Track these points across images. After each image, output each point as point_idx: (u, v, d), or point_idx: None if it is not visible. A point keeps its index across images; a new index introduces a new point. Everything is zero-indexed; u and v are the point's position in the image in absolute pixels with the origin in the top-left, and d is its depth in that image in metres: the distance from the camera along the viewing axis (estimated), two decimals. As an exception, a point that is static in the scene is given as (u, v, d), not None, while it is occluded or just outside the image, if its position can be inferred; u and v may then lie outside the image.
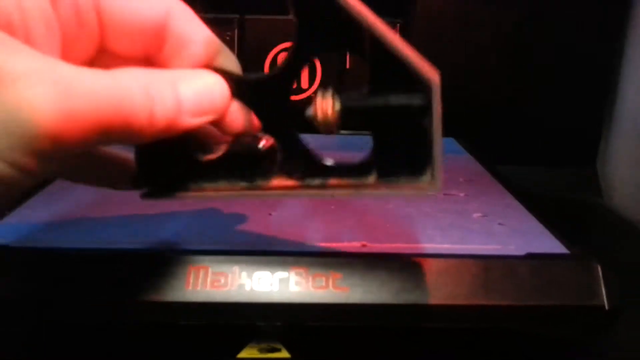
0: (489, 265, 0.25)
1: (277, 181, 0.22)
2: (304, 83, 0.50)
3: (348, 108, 0.20)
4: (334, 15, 0.19)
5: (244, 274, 0.24)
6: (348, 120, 0.20)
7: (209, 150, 0.22)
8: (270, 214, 0.30)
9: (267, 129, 0.21)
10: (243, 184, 0.22)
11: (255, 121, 0.21)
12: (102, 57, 0.20)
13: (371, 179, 0.21)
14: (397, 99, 0.19)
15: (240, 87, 0.20)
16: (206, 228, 0.28)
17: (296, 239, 0.28)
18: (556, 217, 0.44)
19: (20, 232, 0.27)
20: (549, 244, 0.28)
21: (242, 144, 0.22)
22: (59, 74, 0.15)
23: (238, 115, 0.21)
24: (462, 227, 0.29)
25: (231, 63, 0.21)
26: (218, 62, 0.21)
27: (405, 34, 0.49)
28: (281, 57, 0.49)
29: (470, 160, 0.42)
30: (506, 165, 0.51)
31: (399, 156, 0.20)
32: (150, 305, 0.24)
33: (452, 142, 0.48)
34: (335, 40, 0.20)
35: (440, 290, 0.24)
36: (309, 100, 0.20)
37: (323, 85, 0.21)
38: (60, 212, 0.30)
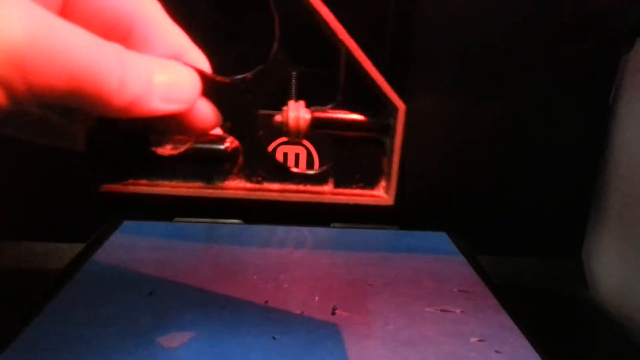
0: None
1: (236, 183, 0.23)
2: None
3: (317, 119, 0.22)
4: (314, 33, 0.21)
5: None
6: (315, 129, 0.22)
7: (169, 146, 0.22)
8: (274, 337, 0.31)
9: (233, 130, 0.22)
10: (200, 183, 0.23)
11: (219, 122, 0.22)
12: None
13: (328, 187, 0.23)
14: (365, 116, 0.22)
15: (210, 86, 0.21)
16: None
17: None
18: (542, 315, 0.45)
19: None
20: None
21: (204, 143, 0.22)
22: (38, 9, 0.15)
23: (204, 113, 0.21)
24: (462, 356, 0.30)
25: (200, 62, 0.22)
26: (186, 58, 0.21)
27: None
28: (280, 150, 0.51)
29: (463, 265, 0.43)
30: (492, 256, 0.52)
31: (357, 168, 0.23)
32: None
33: (444, 238, 0.49)
34: (311, 55, 0.22)
35: None
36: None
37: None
38: None
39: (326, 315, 0.34)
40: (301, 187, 0.23)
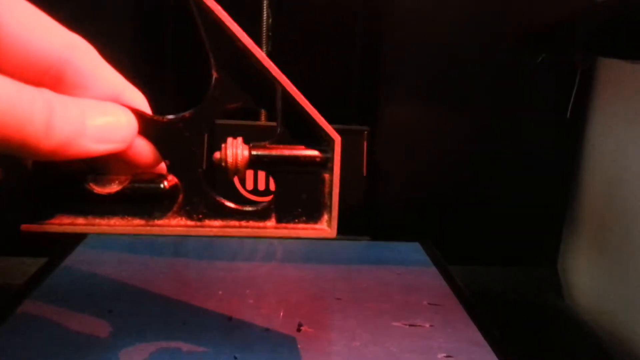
0: None
1: (176, 220, 0.22)
2: (261, 184, 0.50)
3: (256, 156, 0.22)
4: (252, 73, 0.21)
5: None
6: (255, 166, 0.22)
7: (107, 184, 0.22)
8: (235, 357, 0.30)
9: (172, 169, 0.22)
10: (139, 220, 0.22)
11: (160, 160, 0.22)
12: None
13: (270, 222, 0.23)
14: (303, 151, 0.22)
15: (148, 126, 0.21)
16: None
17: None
18: (516, 326, 0.45)
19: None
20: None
21: (143, 181, 0.22)
22: None
23: (142, 152, 0.21)
24: (428, 374, 0.29)
25: (139, 102, 0.21)
26: (124, 99, 0.21)
27: (372, 140, 0.51)
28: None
29: (434, 276, 0.43)
30: (467, 266, 0.52)
31: (298, 203, 0.23)
32: None
33: (417, 248, 0.48)
34: (247, 94, 0.21)
35: None
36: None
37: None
38: None
39: (291, 332, 0.33)
40: (243, 223, 0.23)
